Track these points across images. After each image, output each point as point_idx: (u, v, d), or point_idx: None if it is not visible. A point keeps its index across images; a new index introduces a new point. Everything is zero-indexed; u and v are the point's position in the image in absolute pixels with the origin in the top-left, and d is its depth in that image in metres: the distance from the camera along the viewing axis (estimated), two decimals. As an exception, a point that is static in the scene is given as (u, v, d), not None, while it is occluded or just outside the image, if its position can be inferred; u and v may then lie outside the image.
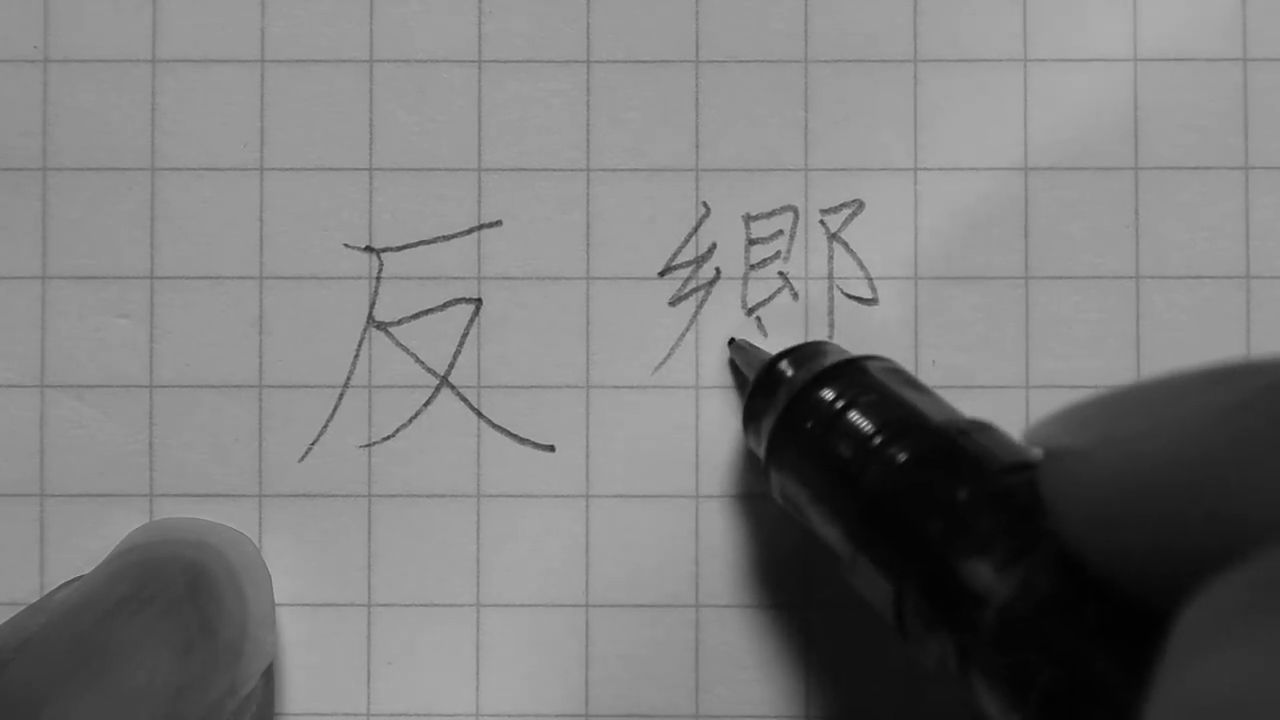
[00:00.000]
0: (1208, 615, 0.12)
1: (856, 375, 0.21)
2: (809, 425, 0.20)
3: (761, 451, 0.22)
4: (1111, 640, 0.15)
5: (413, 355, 0.25)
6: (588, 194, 0.25)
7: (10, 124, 0.25)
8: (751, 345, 0.24)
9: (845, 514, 0.19)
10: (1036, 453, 0.17)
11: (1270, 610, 0.11)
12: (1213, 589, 0.12)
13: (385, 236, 0.25)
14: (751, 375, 0.23)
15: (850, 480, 0.19)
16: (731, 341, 0.25)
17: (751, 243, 0.25)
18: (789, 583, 0.24)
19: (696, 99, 0.25)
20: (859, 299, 0.25)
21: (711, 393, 0.25)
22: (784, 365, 0.22)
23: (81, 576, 0.22)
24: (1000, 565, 0.16)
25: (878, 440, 0.19)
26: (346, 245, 0.25)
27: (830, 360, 0.21)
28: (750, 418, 0.22)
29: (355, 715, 0.24)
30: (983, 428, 0.19)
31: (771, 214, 0.25)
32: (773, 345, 0.25)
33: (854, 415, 0.20)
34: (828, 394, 0.20)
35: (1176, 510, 0.13)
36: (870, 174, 0.25)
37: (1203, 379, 0.14)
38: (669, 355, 0.25)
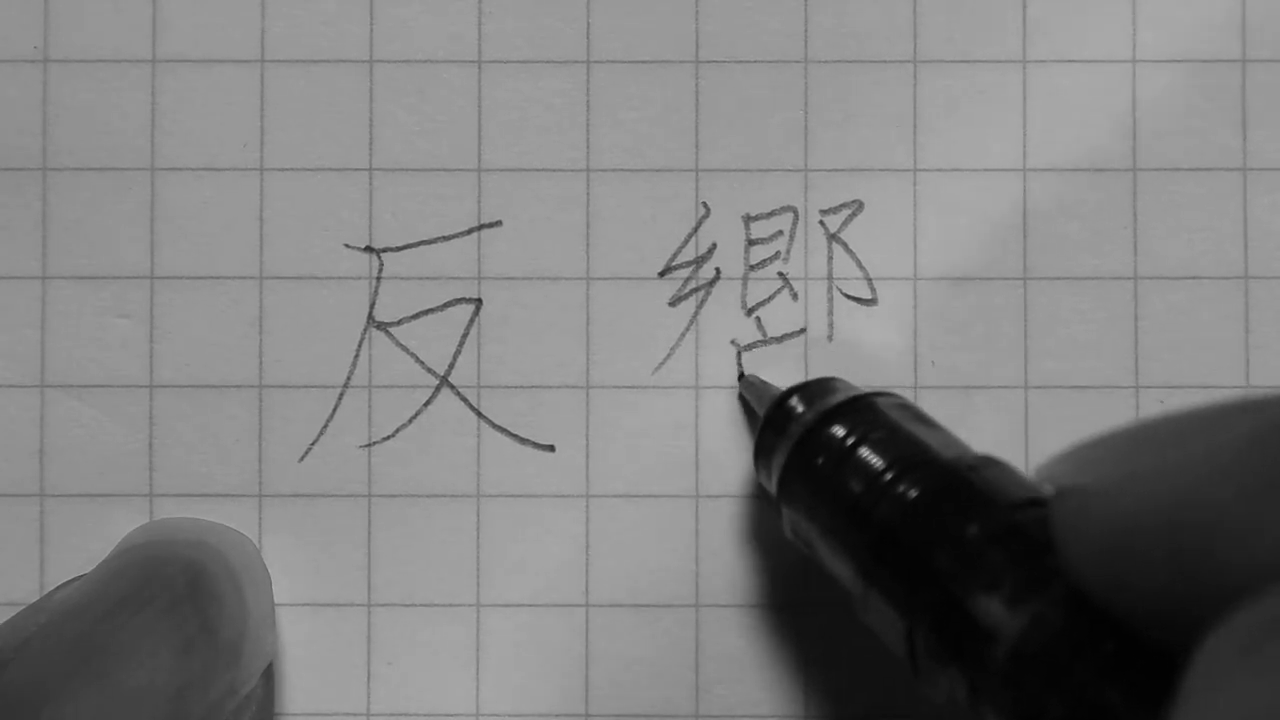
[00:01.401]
0: (1226, 648, 0.12)
1: (866, 411, 0.21)
2: (819, 462, 0.21)
3: (773, 488, 0.22)
4: (1123, 676, 0.15)
5: (413, 355, 0.25)
6: (588, 194, 0.25)
7: (10, 124, 0.25)
8: (761, 381, 0.24)
9: (856, 550, 0.19)
10: (1047, 488, 0.17)
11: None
12: (1231, 623, 0.12)
13: (385, 236, 0.25)
14: (761, 411, 0.23)
15: (861, 516, 0.19)
16: (741, 377, 0.25)
17: (751, 243, 0.25)
18: (789, 583, 0.24)
19: (696, 99, 0.25)
20: (859, 299, 0.25)
21: (711, 393, 0.25)
22: (794, 401, 0.22)
23: (81, 576, 0.22)
24: (1011, 601, 0.16)
25: (888, 476, 0.19)
26: (346, 245, 0.25)
27: (840, 397, 0.21)
28: (761, 454, 0.22)
29: (355, 715, 0.24)
30: (992, 463, 0.19)
31: (771, 214, 0.25)
32: (774, 350, 0.25)
33: (864, 451, 0.20)
34: (838, 430, 0.21)
35: (1186, 548, 0.13)
36: (870, 174, 0.25)
37: (1212, 417, 0.14)
38: (669, 355, 0.25)
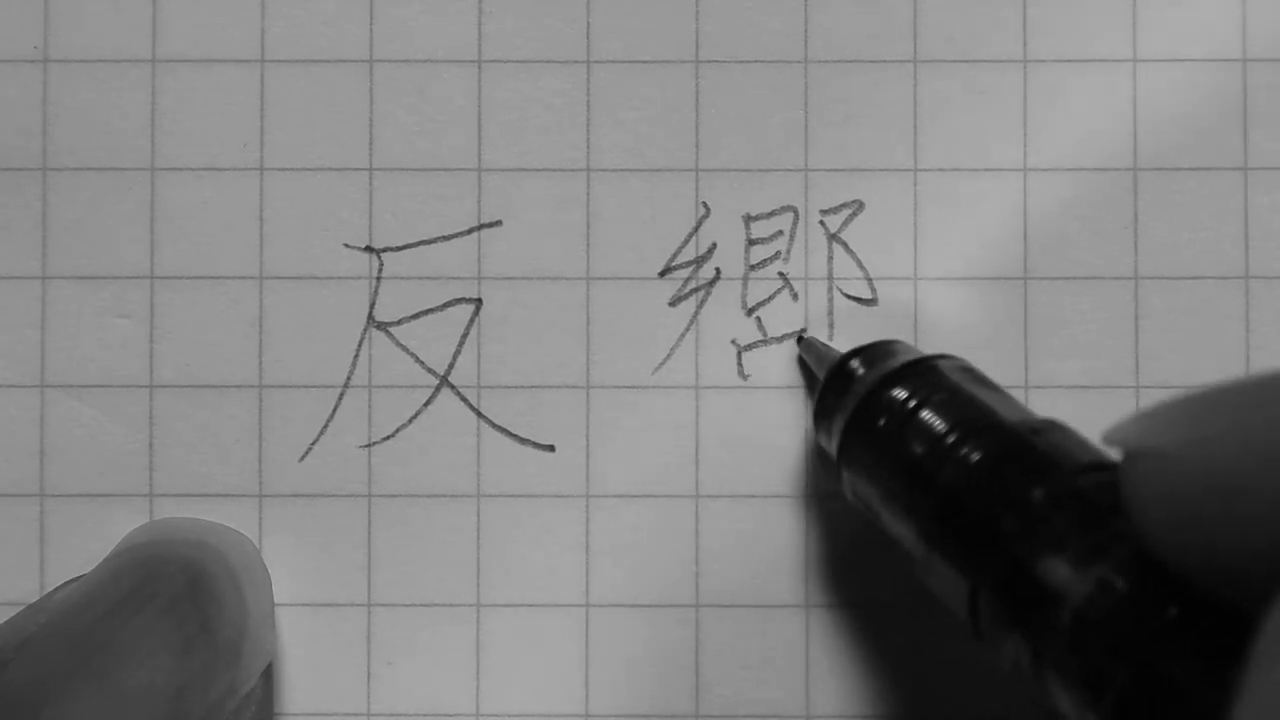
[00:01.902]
0: None
1: (928, 374, 0.21)
2: (881, 424, 0.21)
3: (833, 450, 0.22)
4: (1192, 641, 0.15)
5: (413, 355, 0.25)
6: (588, 194, 0.25)
7: (10, 124, 0.25)
8: (821, 343, 0.24)
9: (919, 512, 0.19)
10: (1111, 453, 0.17)
11: None
12: None
13: (385, 236, 0.25)
14: (821, 373, 0.23)
15: (924, 479, 0.19)
16: (800, 339, 0.25)
17: (751, 243, 0.25)
18: (789, 583, 0.24)
19: (696, 99, 0.25)
20: (859, 299, 0.25)
21: (711, 393, 0.25)
22: (855, 364, 0.22)
23: (81, 576, 0.22)
24: (1077, 565, 0.16)
25: (951, 439, 0.19)
26: (346, 245, 0.25)
27: (901, 359, 0.21)
28: (821, 416, 0.22)
29: (355, 715, 0.24)
30: (1056, 427, 0.19)
31: (771, 214, 0.25)
32: (774, 350, 0.25)
33: (926, 414, 0.20)
34: (900, 393, 0.21)
35: (1261, 510, 0.13)
36: (870, 174, 0.25)
37: None
38: (669, 355, 0.25)
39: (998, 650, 0.17)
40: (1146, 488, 0.15)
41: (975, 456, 0.19)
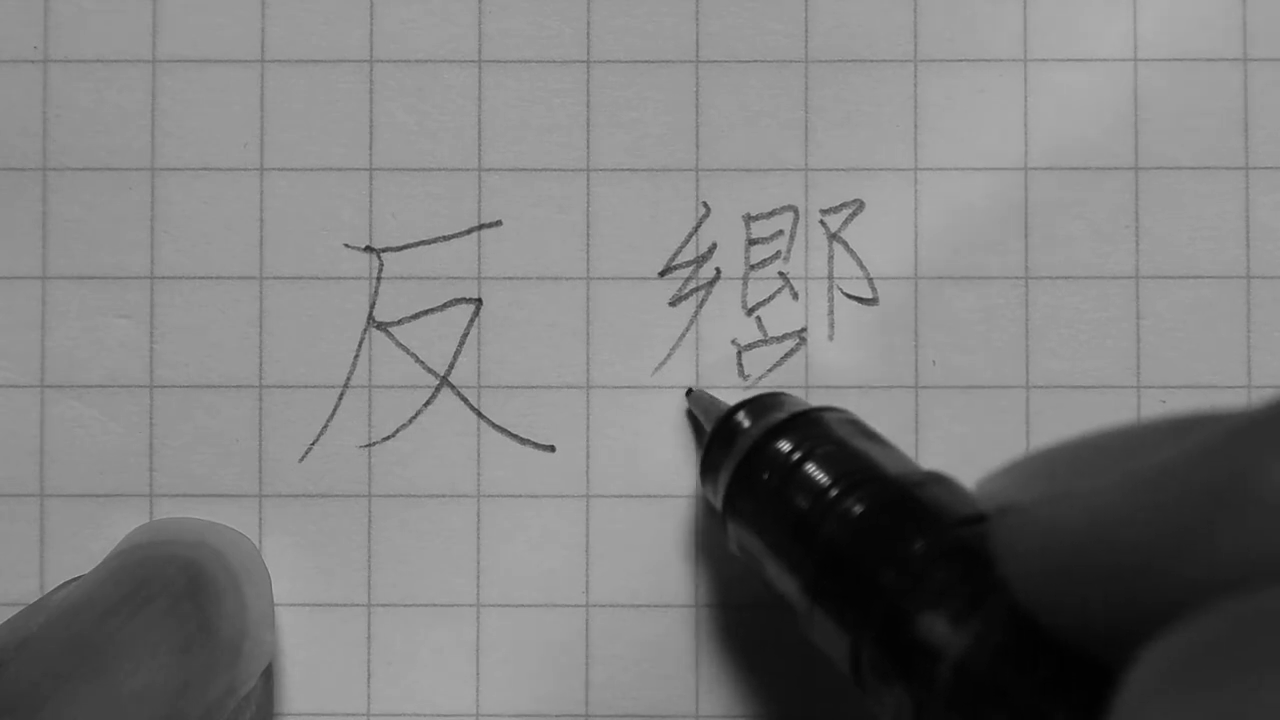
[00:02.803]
0: (1152, 675, 0.12)
1: (812, 426, 0.21)
2: (765, 477, 0.20)
3: (719, 503, 0.22)
4: (1063, 695, 0.15)
5: (413, 355, 0.25)
6: (588, 194, 0.25)
7: (10, 124, 0.25)
8: (709, 396, 0.24)
9: (802, 566, 0.19)
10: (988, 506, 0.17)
11: (1209, 670, 0.11)
12: (1155, 650, 0.12)
13: (385, 236, 0.25)
14: (709, 426, 0.23)
15: (807, 532, 0.19)
16: (689, 392, 0.25)
17: (751, 243, 0.25)
18: (789, 583, 0.24)
19: (696, 99, 0.25)
20: (859, 299, 0.25)
21: (711, 393, 0.25)
22: (741, 416, 0.22)
23: (81, 576, 0.22)
24: (955, 619, 0.16)
25: (834, 492, 0.19)
26: (346, 245, 0.25)
27: (786, 412, 0.21)
28: (708, 469, 0.22)
29: (355, 715, 0.24)
30: (938, 480, 0.19)
31: (771, 214, 0.25)
32: (774, 350, 0.25)
33: (810, 467, 0.20)
34: (784, 445, 0.20)
35: (1120, 567, 0.13)
36: (870, 174, 0.25)
37: (1149, 434, 0.14)
38: (669, 355, 0.25)
39: (880, 702, 0.17)
40: (1013, 543, 0.15)
41: (857, 509, 0.19)
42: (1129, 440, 0.14)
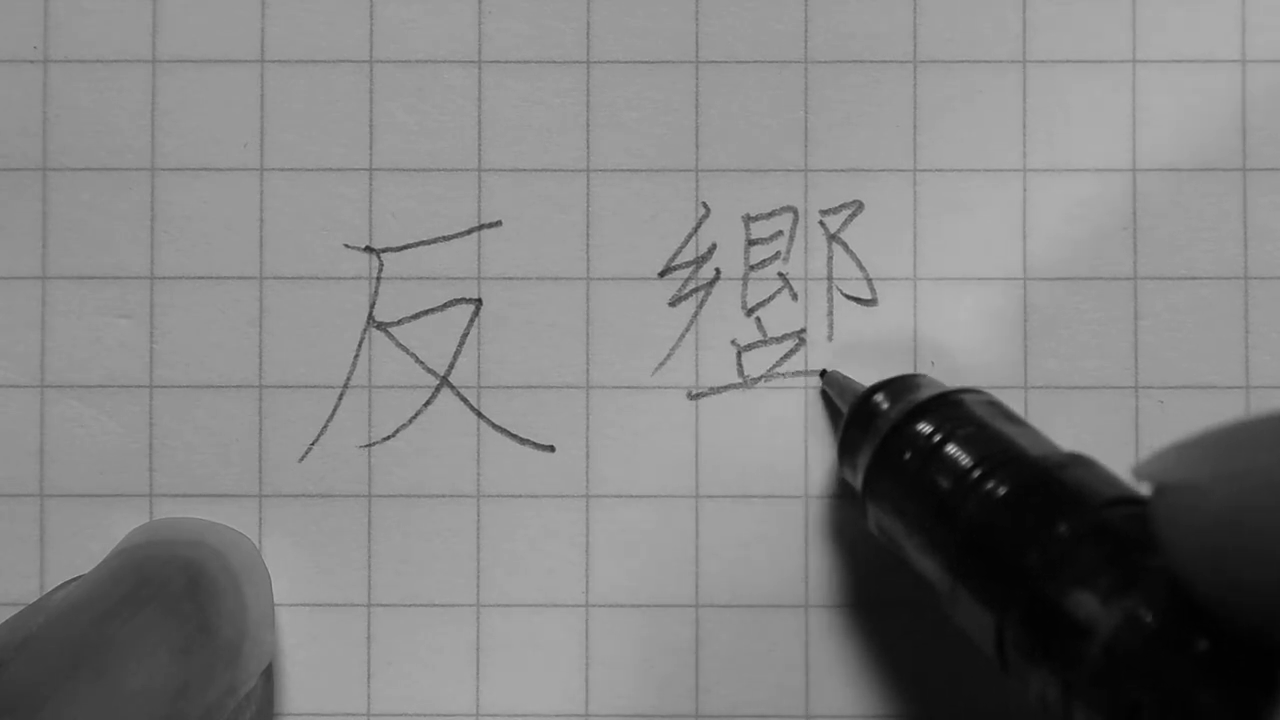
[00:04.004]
0: None
1: (953, 408, 0.21)
2: (907, 458, 0.21)
3: (858, 484, 0.22)
4: (1221, 675, 0.15)
5: (413, 355, 0.25)
6: (588, 194, 0.25)
7: (10, 124, 0.25)
8: (844, 377, 0.24)
9: (944, 546, 0.19)
10: (1137, 488, 0.17)
11: None
12: None
13: (385, 236, 0.25)
14: (845, 407, 0.23)
15: (949, 513, 0.19)
16: (823, 373, 0.25)
17: (751, 243, 0.25)
18: (789, 583, 0.24)
19: (696, 99, 0.25)
20: (859, 299, 0.25)
21: (712, 393, 0.25)
22: (879, 398, 0.22)
23: (81, 576, 0.22)
24: (1104, 598, 0.16)
25: (976, 474, 0.19)
26: (346, 245, 0.25)
27: (926, 393, 0.22)
28: (846, 450, 0.23)
29: (355, 715, 0.24)
30: (1080, 461, 0.19)
31: (771, 214, 0.25)
32: (776, 350, 0.25)
33: (952, 448, 0.20)
34: (924, 427, 0.21)
35: None
36: (870, 174, 0.25)
37: None
38: (669, 355, 0.25)
39: (1024, 684, 0.17)
40: (1178, 521, 0.15)
41: (1001, 491, 0.19)
42: None
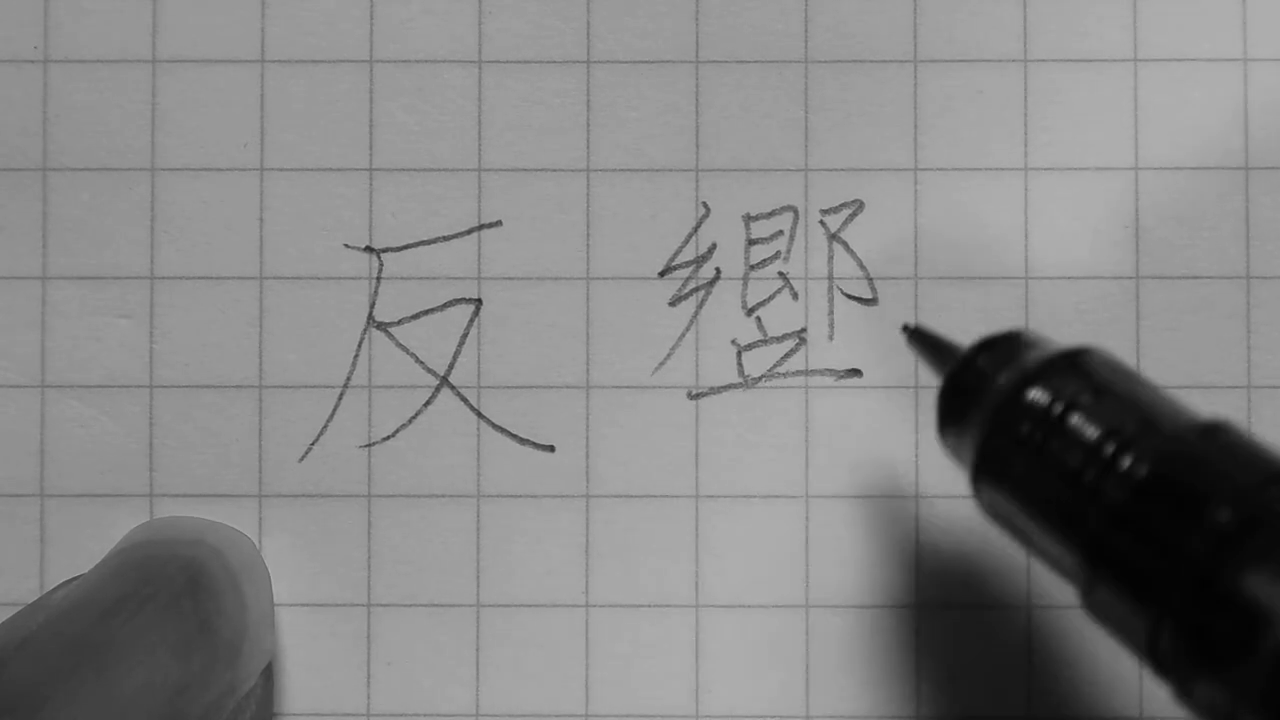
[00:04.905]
0: None
1: (1074, 370, 0.18)
2: (1026, 433, 0.18)
3: (968, 463, 0.19)
4: None
5: (413, 355, 0.25)
6: (588, 194, 0.25)
7: (10, 124, 0.25)
8: (932, 333, 0.22)
9: (1081, 535, 0.17)
10: None
11: None
12: None
13: (385, 236, 0.25)
14: (940, 372, 0.21)
15: (1084, 496, 0.17)
16: (906, 328, 0.22)
17: (751, 243, 0.25)
18: (790, 583, 0.24)
19: (696, 99, 0.25)
20: (859, 299, 0.25)
21: (712, 393, 0.25)
22: (984, 361, 0.20)
23: (81, 576, 0.22)
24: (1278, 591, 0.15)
25: (1110, 448, 0.17)
26: (346, 245, 0.25)
27: (1040, 354, 0.19)
28: (948, 423, 0.20)
29: (355, 715, 0.24)
30: (1223, 429, 0.17)
31: (771, 214, 0.25)
32: (776, 350, 0.25)
33: (1077, 419, 0.18)
34: (1042, 396, 0.18)
35: None
36: (870, 174, 0.25)
37: None
38: (669, 355, 0.25)
39: (1187, 692, 0.16)
40: None
41: (1143, 470, 0.17)
42: None
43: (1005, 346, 0.20)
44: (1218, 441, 0.17)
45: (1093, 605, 0.17)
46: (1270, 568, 0.15)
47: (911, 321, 0.23)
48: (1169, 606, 0.16)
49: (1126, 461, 0.17)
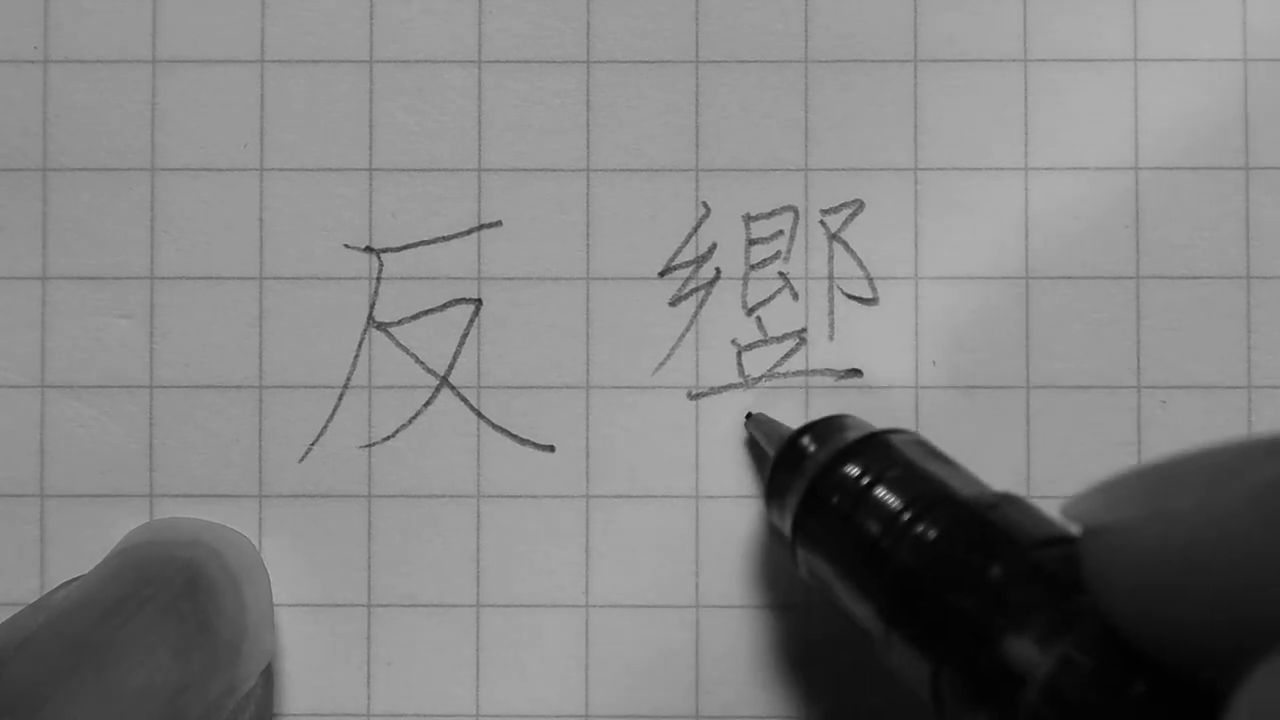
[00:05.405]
0: (1263, 696, 0.12)
1: (881, 449, 0.21)
2: (835, 501, 0.20)
3: (787, 528, 0.22)
4: (1157, 716, 0.15)
5: (413, 355, 0.25)
6: (588, 194, 0.25)
7: (10, 124, 0.25)
8: (769, 419, 0.24)
9: (876, 592, 0.19)
10: (1067, 526, 0.17)
11: None
12: (1266, 670, 0.12)
13: (385, 236, 0.25)
14: (771, 450, 0.23)
15: (880, 557, 0.19)
16: (749, 416, 0.24)
17: (751, 243, 0.25)
18: (789, 583, 0.24)
19: (696, 99, 0.25)
20: (859, 299, 0.25)
21: (711, 393, 0.25)
22: (806, 440, 0.22)
23: (81, 576, 0.22)
24: (1040, 642, 0.16)
25: (906, 516, 0.19)
26: (346, 245, 0.25)
27: (853, 434, 0.21)
28: (774, 494, 0.22)
29: (355, 715, 0.24)
30: (1011, 501, 0.19)
31: (771, 214, 0.25)
32: (776, 350, 0.25)
33: (880, 491, 0.20)
34: (853, 469, 0.20)
35: (1225, 584, 0.13)
36: (870, 174, 0.25)
37: (1244, 454, 0.14)
38: (669, 355, 0.25)
39: None
40: (1109, 563, 0.15)
41: (932, 533, 0.19)
42: (1224, 459, 0.14)
43: (825, 428, 0.22)
44: (1002, 511, 0.18)
45: (885, 653, 0.19)
46: (1032, 629, 0.16)
47: (756, 411, 0.24)
48: (946, 657, 0.17)
49: (919, 527, 0.19)
